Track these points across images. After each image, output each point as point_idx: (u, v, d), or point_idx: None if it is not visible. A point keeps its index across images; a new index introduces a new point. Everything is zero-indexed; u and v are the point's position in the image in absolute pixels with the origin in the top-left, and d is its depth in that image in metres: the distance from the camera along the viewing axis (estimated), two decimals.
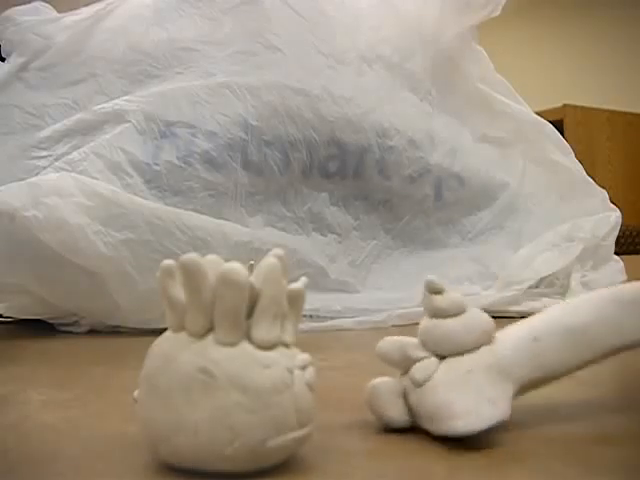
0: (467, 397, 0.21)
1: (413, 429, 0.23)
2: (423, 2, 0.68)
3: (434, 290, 0.23)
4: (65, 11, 0.67)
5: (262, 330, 0.19)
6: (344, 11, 0.67)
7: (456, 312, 0.23)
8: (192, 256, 0.19)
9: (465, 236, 0.67)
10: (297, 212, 0.61)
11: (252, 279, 0.19)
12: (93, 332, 0.53)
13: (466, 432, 0.20)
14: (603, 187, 0.69)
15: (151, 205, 0.52)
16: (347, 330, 0.53)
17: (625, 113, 2.85)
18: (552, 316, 0.23)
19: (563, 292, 0.59)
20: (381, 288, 0.61)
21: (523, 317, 0.61)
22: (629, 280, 0.63)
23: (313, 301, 0.55)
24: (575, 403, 0.27)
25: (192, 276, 0.19)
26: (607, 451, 0.21)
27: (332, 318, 0.54)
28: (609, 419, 0.25)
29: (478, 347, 0.22)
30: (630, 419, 0.25)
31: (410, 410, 0.23)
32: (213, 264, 0.20)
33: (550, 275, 0.59)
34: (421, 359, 0.23)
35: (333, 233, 0.62)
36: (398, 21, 0.68)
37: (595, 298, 0.24)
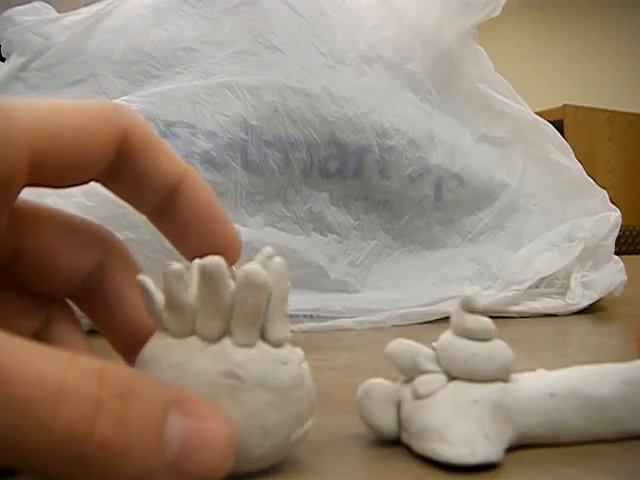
0: (465, 427, 0.20)
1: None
2: (423, 2, 0.68)
3: (469, 308, 0.22)
4: (65, 11, 0.67)
5: (277, 328, 0.20)
6: (344, 11, 0.67)
7: (483, 338, 0.21)
8: (215, 259, 0.19)
9: (465, 236, 0.67)
10: (297, 212, 0.61)
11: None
12: (93, 332, 0.53)
13: (456, 463, 0.19)
14: (603, 187, 0.69)
15: None
16: (347, 330, 0.53)
17: (625, 113, 2.86)
18: (573, 379, 0.22)
19: (563, 292, 0.59)
20: (381, 288, 0.61)
21: (523, 317, 0.61)
22: (629, 280, 0.63)
23: (313, 301, 0.55)
24: None
25: (214, 280, 0.19)
26: (606, 451, 0.21)
27: (332, 318, 0.54)
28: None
29: (492, 380, 0.21)
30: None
31: (399, 422, 0.22)
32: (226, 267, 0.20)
33: (550, 275, 0.59)
34: (429, 372, 0.22)
35: (333, 233, 0.62)
36: (398, 21, 0.68)
37: (622, 373, 0.22)
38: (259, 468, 0.19)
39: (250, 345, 0.19)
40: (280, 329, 0.20)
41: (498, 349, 0.21)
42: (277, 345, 0.20)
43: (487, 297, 0.57)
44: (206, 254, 0.20)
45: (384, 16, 0.68)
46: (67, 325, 0.23)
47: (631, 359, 0.23)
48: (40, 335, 0.22)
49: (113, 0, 0.65)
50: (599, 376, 0.22)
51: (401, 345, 0.22)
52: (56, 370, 0.15)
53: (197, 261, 0.20)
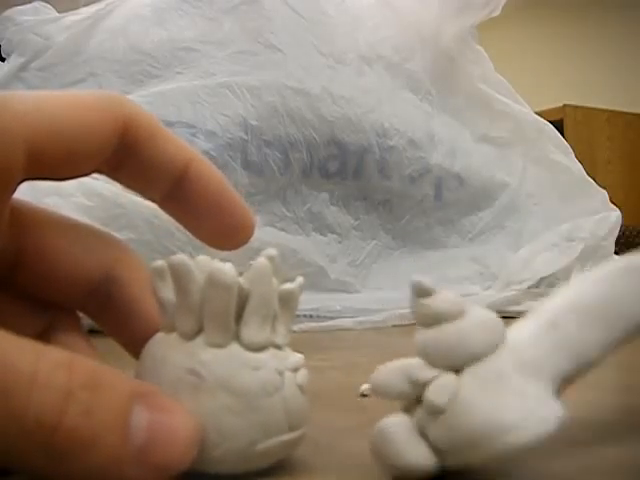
0: (514, 404, 0.17)
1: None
2: (423, 2, 0.68)
3: (424, 293, 0.18)
4: (65, 11, 0.67)
5: (251, 331, 0.19)
6: (344, 11, 0.67)
7: (458, 314, 0.18)
8: (181, 257, 0.19)
9: (465, 236, 0.67)
10: (297, 212, 0.61)
11: (241, 280, 0.19)
12: (92, 332, 0.53)
13: (532, 441, 0.17)
14: (603, 187, 0.69)
15: (151, 205, 0.51)
16: (347, 330, 0.53)
17: (625, 113, 2.85)
18: (566, 297, 0.19)
19: None
20: (381, 288, 0.61)
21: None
22: None
23: (313, 301, 0.55)
24: (575, 404, 0.27)
25: (181, 277, 0.19)
26: (607, 451, 0.21)
27: (332, 318, 0.54)
28: (610, 419, 0.25)
29: (494, 349, 0.18)
30: (631, 419, 0.25)
31: (434, 448, 0.18)
32: (203, 265, 0.19)
33: (550, 275, 0.59)
34: (433, 379, 0.18)
35: (333, 233, 0.62)
36: (398, 21, 0.68)
37: (608, 270, 0.20)
38: (222, 471, 0.18)
39: (220, 345, 0.19)
40: (256, 332, 0.19)
41: (482, 316, 0.19)
42: (252, 349, 0.19)
43: (487, 297, 0.57)
44: (222, 234, 0.20)
45: (384, 16, 0.68)
46: (71, 332, 0.23)
47: (631, 359, 0.23)
48: (43, 341, 0.22)
49: (113, 0, 0.65)
50: (589, 281, 0.20)
51: (387, 370, 0.18)
52: (26, 360, 0.15)
53: (159, 262, 0.20)
